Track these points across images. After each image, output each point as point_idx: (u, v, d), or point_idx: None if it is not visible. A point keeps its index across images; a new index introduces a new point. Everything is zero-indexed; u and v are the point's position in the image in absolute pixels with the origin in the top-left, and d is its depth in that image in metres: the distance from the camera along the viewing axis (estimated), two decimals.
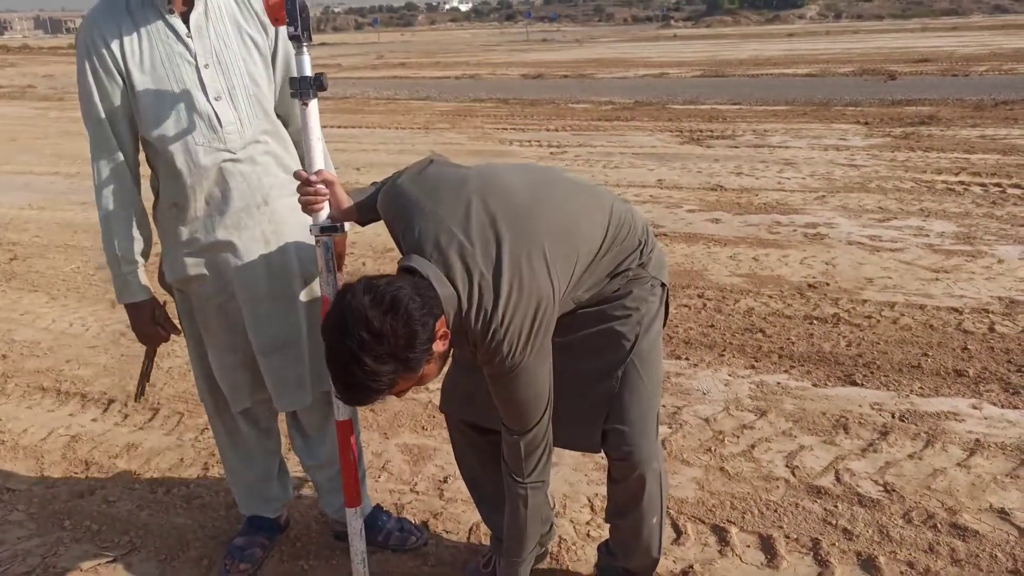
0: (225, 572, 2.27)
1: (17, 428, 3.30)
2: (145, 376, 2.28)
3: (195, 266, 2.03)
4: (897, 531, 2.34)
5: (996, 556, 2.21)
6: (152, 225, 2.07)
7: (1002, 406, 3.06)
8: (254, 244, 2.02)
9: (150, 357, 2.25)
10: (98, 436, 3.20)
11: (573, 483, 2.69)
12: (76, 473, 2.92)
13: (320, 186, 1.78)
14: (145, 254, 2.05)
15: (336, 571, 2.28)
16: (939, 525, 2.35)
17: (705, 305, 4.29)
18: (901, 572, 2.17)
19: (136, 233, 2.01)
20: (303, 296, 2.10)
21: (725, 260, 5.07)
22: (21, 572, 2.35)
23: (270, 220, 2.03)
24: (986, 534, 2.30)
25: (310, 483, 2.74)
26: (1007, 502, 2.44)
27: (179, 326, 2.17)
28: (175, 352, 3.99)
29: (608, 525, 2.07)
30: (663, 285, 1.86)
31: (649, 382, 1.81)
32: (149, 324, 2.08)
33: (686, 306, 4.29)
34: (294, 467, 2.69)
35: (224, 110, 1.93)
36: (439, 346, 1.50)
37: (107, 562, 2.39)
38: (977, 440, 2.80)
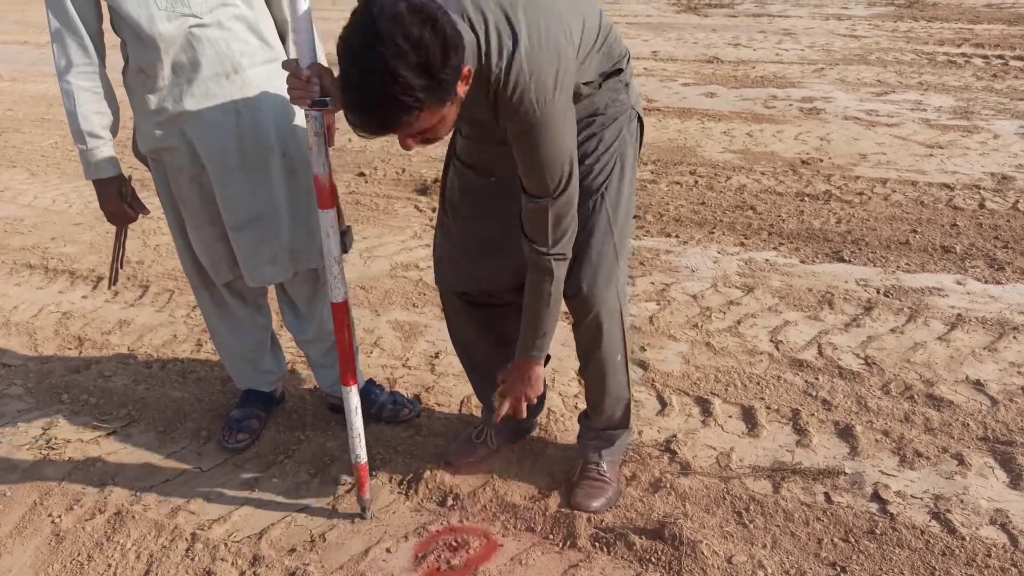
0: (224, 442, 2.34)
1: (7, 305, 3.30)
2: (116, 260, 2.23)
3: (165, 137, 1.97)
4: (875, 402, 2.41)
5: (968, 424, 2.29)
6: (124, 93, 2.00)
7: (986, 281, 3.10)
8: (224, 115, 1.95)
9: (120, 240, 2.20)
10: (89, 313, 3.21)
11: (561, 358, 2.74)
12: (70, 349, 2.95)
13: (313, 81, 1.61)
14: (113, 129, 1.98)
15: (332, 441, 2.35)
16: (916, 396, 2.43)
17: (697, 182, 4.25)
18: (876, 440, 2.26)
19: (102, 107, 1.93)
20: (281, 170, 2.05)
21: (719, 136, 4.98)
22: (24, 443, 2.42)
23: (241, 89, 1.95)
24: (960, 404, 2.38)
25: (304, 357, 2.78)
26: (983, 374, 2.52)
27: (158, 196, 2.14)
28: (161, 230, 3.95)
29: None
30: (640, 119, 1.87)
31: (615, 220, 1.82)
32: (116, 201, 2.03)
33: (677, 183, 4.25)
34: (287, 342, 2.72)
35: (170, 19, 1.84)
36: (462, 87, 1.42)
37: (107, 433, 2.45)
38: (959, 315, 2.85)
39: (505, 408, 1.90)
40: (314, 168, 1.70)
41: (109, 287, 2.33)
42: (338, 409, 2.42)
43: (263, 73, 1.98)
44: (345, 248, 2.00)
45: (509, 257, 1.82)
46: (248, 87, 1.96)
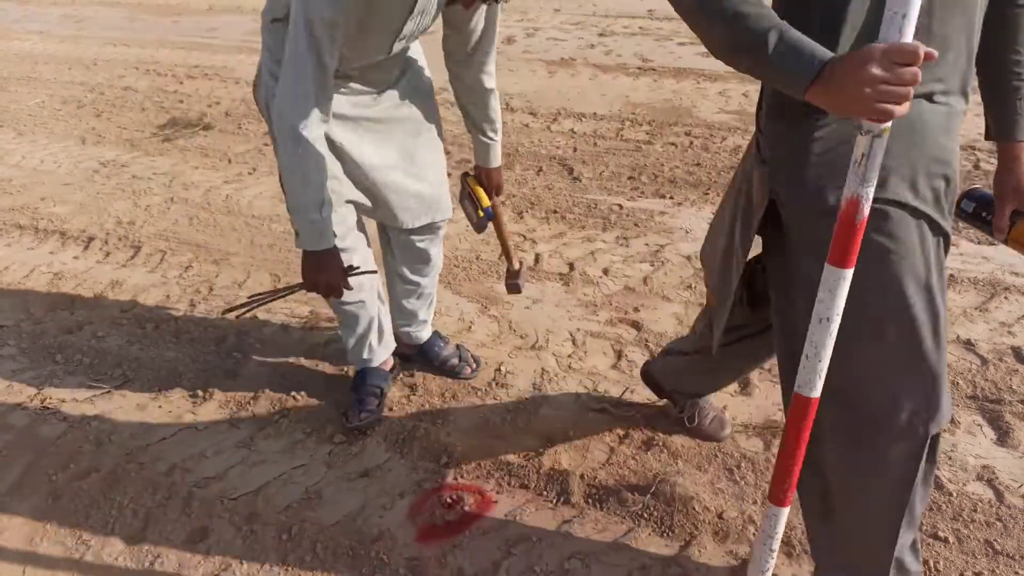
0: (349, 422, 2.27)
1: None
2: (258, 303, 1.97)
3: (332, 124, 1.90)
4: None
5: (958, 383, 2.32)
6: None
7: (978, 242, 3.10)
8: (394, 84, 2.03)
9: (283, 294, 1.97)
10: (81, 273, 3.19)
11: (555, 319, 2.75)
12: (62, 309, 2.94)
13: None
14: None
15: (327, 400, 2.36)
16: None
17: (692, 144, 4.22)
18: None
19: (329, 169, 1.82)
20: (416, 129, 2.10)
21: (714, 97, 4.94)
22: (18, 403, 2.42)
23: (406, 60, 2.06)
24: (951, 363, 2.40)
25: (299, 319, 2.78)
26: (973, 334, 2.54)
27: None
28: (152, 190, 3.92)
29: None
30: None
31: None
32: (339, 272, 1.86)
33: (672, 144, 4.22)
34: (281, 304, 2.72)
35: (401, 46, 1.86)
36: None
37: (102, 393, 2.46)
38: (951, 275, 2.86)
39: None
40: (849, 189, 1.11)
41: (233, 314, 2.16)
42: (406, 356, 2.50)
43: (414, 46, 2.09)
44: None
45: None
46: (409, 59, 2.08)
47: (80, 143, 4.64)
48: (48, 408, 2.39)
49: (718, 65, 5.54)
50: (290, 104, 1.67)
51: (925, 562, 1.75)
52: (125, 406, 2.40)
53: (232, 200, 3.80)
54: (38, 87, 5.75)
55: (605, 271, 3.03)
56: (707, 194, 3.64)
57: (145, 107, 5.24)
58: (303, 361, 2.57)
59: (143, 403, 2.41)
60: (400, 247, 2.30)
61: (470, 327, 2.72)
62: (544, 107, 4.89)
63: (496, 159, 2.21)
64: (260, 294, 1.96)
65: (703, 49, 5.89)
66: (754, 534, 1.85)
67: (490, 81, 2.07)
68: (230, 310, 2.01)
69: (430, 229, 2.26)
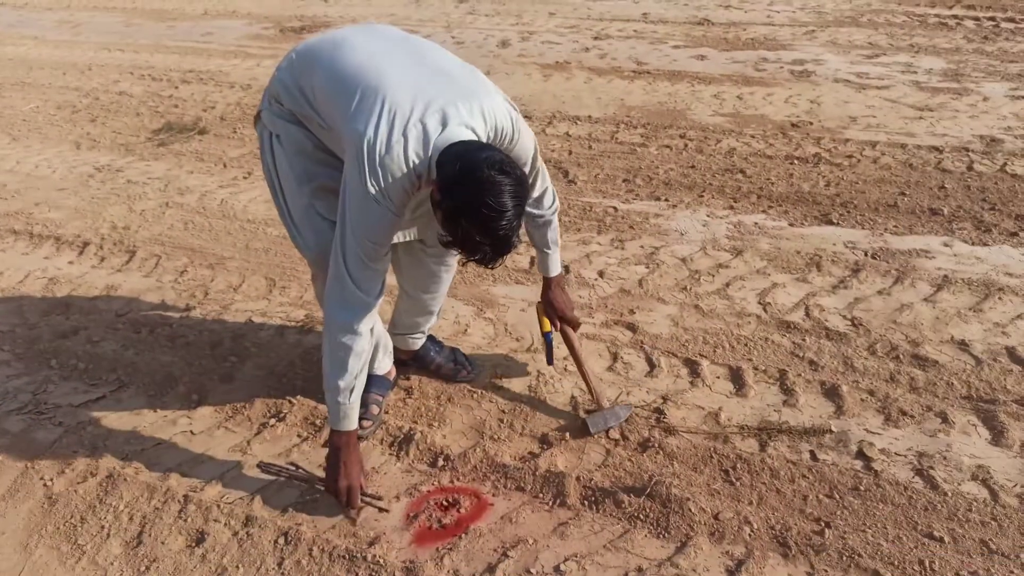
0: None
1: None
2: (288, 473, 2.12)
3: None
4: (861, 362, 2.44)
5: (952, 384, 2.32)
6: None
7: (972, 243, 3.12)
8: None
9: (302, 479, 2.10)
10: (76, 278, 3.19)
11: None
12: (57, 314, 2.93)
13: None
14: None
15: (322, 405, 2.35)
16: (901, 356, 2.45)
17: (687, 146, 4.23)
18: (862, 400, 2.28)
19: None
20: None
21: (709, 99, 4.95)
22: (13, 409, 2.41)
23: None
24: (945, 364, 2.41)
25: (295, 323, 2.78)
26: (967, 334, 2.54)
27: (287, 168, 2.05)
28: (147, 195, 3.92)
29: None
30: None
31: None
32: (358, 458, 1.96)
33: (667, 147, 4.23)
34: (276, 305, 2.71)
35: None
36: None
37: (97, 398, 2.45)
38: (945, 276, 2.87)
39: None
40: None
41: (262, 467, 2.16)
42: (401, 361, 2.46)
43: None
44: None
45: None
46: None
47: (75, 148, 4.64)
48: (43, 413, 2.39)
49: (712, 68, 5.56)
50: (338, 301, 1.82)
51: (921, 562, 1.76)
52: (120, 411, 2.39)
53: (227, 204, 3.80)
54: (32, 92, 5.75)
55: (600, 273, 3.03)
56: (702, 196, 3.65)
57: (140, 112, 5.24)
58: (299, 364, 2.57)
59: (138, 408, 2.40)
60: (411, 263, 2.30)
61: (466, 330, 2.72)
62: (539, 110, 4.89)
63: (551, 268, 2.22)
64: (297, 468, 2.11)
65: (697, 52, 5.92)
66: (750, 534, 1.85)
67: (540, 209, 2.10)
68: (265, 464, 2.14)
69: (446, 251, 2.25)
